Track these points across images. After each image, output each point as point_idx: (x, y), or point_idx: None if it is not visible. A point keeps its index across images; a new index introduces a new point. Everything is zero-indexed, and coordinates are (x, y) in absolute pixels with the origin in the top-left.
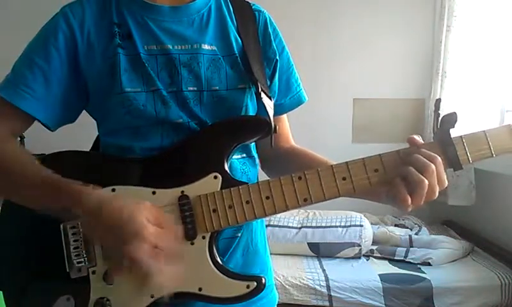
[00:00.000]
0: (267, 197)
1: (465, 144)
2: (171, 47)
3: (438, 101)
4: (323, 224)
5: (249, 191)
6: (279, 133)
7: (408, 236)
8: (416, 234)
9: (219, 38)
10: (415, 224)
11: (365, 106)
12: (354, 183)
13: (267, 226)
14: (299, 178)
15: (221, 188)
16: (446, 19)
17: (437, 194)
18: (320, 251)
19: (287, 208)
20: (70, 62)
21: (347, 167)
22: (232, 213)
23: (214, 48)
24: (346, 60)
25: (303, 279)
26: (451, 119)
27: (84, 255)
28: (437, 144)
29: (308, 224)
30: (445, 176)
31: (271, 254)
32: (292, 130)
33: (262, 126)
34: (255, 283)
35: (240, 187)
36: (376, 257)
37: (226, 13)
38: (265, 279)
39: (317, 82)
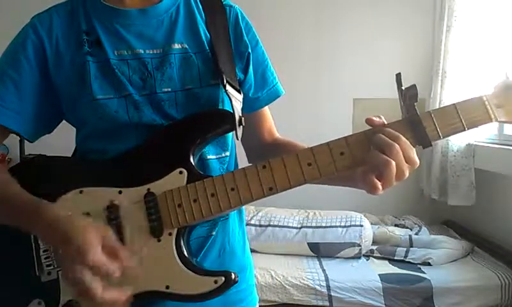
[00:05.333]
0: (232, 189)
1: (434, 118)
2: (142, 52)
3: (399, 75)
4: (323, 224)
5: (214, 184)
6: (261, 127)
7: (408, 236)
8: (416, 234)
9: (189, 35)
10: (415, 224)
11: (365, 106)
12: (320, 168)
13: (267, 226)
14: (264, 166)
15: (188, 183)
16: (446, 19)
17: (407, 173)
18: (320, 251)
19: (252, 199)
20: (40, 72)
21: (311, 153)
22: (197, 207)
23: (185, 46)
24: (346, 60)
25: (303, 279)
26: (413, 92)
27: (53, 258)
28: (404, 122)
29: (308, 224)
30: (414, 154)
31: (268, 254)
32: (292, 130)
33: (225, 120)
34: (223, 278)
35: (204, 180)
36: (376, 257)
37: (195, 8)
38: (235, 275)
39: (317, 82)
